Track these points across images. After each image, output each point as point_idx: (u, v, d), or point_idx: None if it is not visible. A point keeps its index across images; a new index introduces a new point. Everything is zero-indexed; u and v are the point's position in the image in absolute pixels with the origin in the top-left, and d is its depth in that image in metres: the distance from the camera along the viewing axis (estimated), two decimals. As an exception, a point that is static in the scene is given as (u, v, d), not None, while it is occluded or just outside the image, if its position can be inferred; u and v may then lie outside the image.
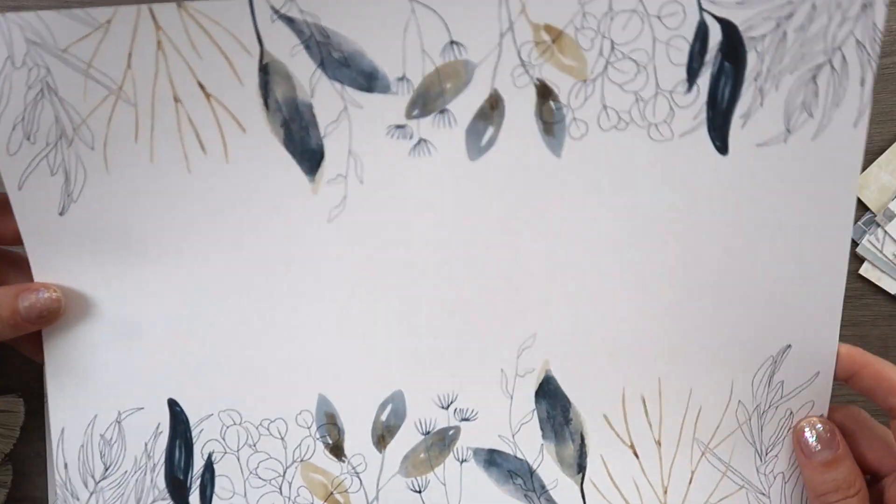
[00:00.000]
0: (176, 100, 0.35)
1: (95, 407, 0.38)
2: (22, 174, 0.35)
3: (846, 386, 0.37)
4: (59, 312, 0.35)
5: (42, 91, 0.34)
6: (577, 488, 0.38)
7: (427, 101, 0.35)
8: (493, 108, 0.35)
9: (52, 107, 0.34)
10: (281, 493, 0.38)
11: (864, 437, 0.36)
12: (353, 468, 0.38)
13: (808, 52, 0.34)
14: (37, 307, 0.34)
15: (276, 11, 0.34)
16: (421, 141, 0.35)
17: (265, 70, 0.34)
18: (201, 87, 0.34)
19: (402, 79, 0.34)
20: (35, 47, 0.33)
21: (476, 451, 0.38)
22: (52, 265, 0.36)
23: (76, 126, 0.35)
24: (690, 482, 0.38)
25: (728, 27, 0.34)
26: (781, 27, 0.34)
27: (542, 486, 0.38)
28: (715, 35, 0.34)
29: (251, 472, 0.38)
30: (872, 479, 0.37)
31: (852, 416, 0.37)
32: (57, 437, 0.38)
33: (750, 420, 0.37)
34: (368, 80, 0.34)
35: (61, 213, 0.36)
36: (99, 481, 0.39)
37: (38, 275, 0.36)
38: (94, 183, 0.35)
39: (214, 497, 0.39)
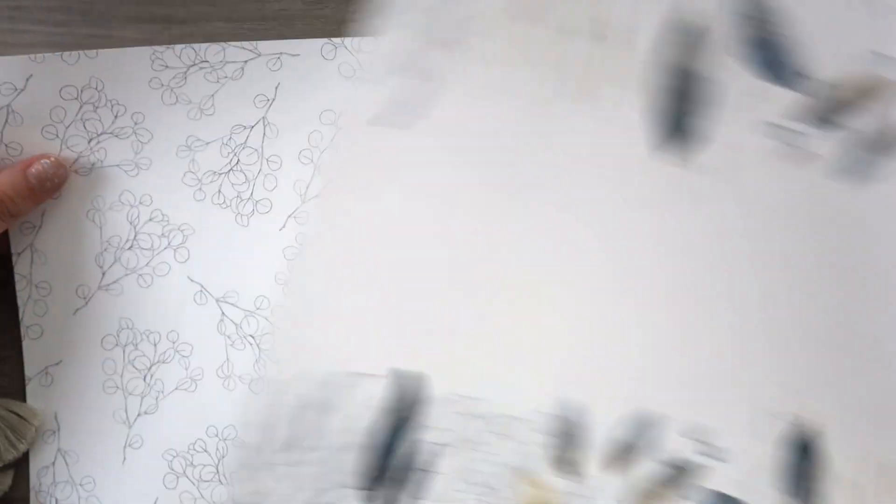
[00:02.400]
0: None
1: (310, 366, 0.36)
2: None
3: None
4: (65, 176, 0.38)
5: None
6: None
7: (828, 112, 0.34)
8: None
9: None
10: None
11: None
12: (580, 487, 0.35)
13: None
14: (44, 174, 0.37)
15: None
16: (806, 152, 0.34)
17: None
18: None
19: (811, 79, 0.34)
20: None
21: (714, 496, 0.34)
22: None
23: None
24: None
25: None
26: None
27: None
28: None
29: (469, 475, 0.35)
30: None
31: None
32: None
33: None
34: (779, 70, 0.34)
35: None
36: (287, 453, 0.35)
37: None
38: None
39: (422, 499, 0.35)
